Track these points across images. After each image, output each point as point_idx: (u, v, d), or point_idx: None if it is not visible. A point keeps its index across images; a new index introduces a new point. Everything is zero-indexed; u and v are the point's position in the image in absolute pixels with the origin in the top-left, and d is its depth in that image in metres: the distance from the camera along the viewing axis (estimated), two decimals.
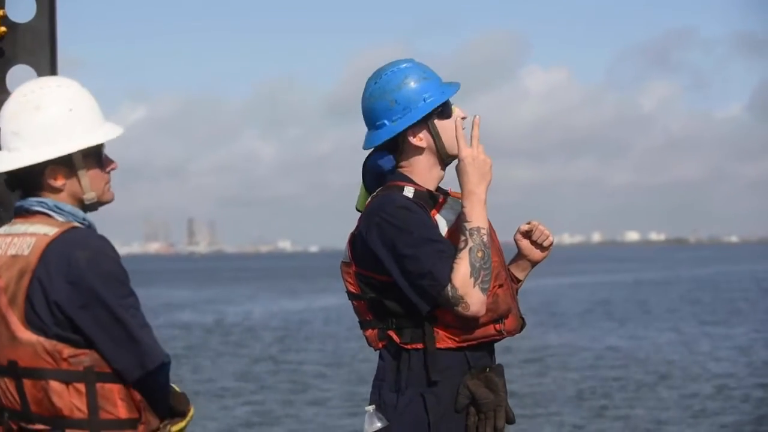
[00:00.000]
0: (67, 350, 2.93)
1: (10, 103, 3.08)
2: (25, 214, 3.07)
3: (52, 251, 2.95)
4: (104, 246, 2.99)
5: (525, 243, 3.79)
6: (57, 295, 2.93)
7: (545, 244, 3.77)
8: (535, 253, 3.79)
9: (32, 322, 2.93)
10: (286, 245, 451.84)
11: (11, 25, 4.87)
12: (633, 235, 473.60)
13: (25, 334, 2.93)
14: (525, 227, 3.77)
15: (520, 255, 3.80)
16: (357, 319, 3.60)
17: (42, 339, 2.93)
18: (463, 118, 3.56)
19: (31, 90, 3.07)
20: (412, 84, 3.56)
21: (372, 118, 3.59)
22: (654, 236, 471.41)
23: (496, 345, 3.61)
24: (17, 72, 4.89)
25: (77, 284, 2.93)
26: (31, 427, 2.97)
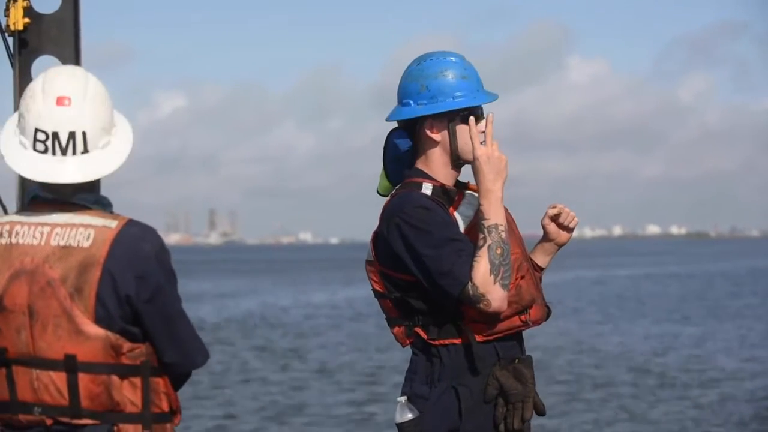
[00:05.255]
0: (126, 344, 2.92)
1: None
2: (57, 203, 2.99)
3: (120, 245, 2.92)
4: (162, 240, 3.01)
5: (552, 227, 3.83)
6: (127, 289, 2.91)
7: (571, 225, 3.83)
8: (563, 236, 3.85)
9: (100, 316, 2.90)
10: (307, 237, 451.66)
11: (36, 16, 4.91)
12: (654, 229, 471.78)
13: (93, 329, 2.89)
14: (553, 211, 3.82)
15: (547, 239, 3.85)
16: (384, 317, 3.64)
17: (109, 333, 2.90)
18: (482, 132, 3.55)
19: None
20: (449, 78, 3.57)
21: (401, 95, 3.63)
22: (675, 230, 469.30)
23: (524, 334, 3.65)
24: (42, 63, 4.93)
25: (145, 279, 2.93)
26: (75, 422, 2.93)
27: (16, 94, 4.91)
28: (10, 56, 4.94)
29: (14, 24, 4.84)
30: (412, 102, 3.59)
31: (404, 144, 3.66)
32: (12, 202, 4.71)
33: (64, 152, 2.95)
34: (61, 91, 2.95)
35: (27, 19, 4.85)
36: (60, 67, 3.06)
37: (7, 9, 4.86)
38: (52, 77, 2.99)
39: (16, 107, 4.85)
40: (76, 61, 4.95)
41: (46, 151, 2.95)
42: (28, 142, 2.96)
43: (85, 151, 2.96)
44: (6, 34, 4.89)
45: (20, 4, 4.83)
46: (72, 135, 2.94)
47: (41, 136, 2.94)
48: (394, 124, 3.69)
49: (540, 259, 3.84)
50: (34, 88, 2.99)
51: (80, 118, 2.95)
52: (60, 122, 2.94)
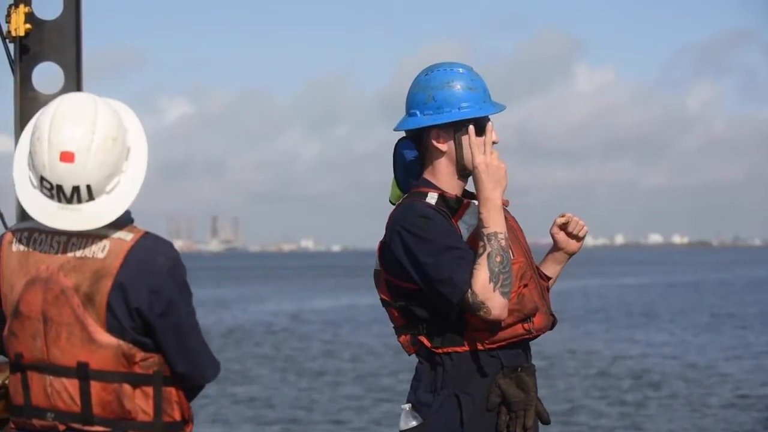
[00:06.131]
0: (139, 354, 2.96)
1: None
2: None
3: (134, 257, 2.95)
4: (178, 253, 3.03)
5: (561, 235, 3.85)
6: (139, 302, 2.94)
7: (580, 234, 3.85)
8: (572, 245, 3.86)
9: (112, 325, 2.93)
10: (308, 244, 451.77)
11: (38, 22, 4.89)
12: (656, 238, 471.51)
13: (105, 337, 2.93)
14: (561, 220, 3.84)
15: (557, 248, 3.87)
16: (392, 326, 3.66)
17: (122, 342, 2.94)
18: (493, 142, 3.56)
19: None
20: (456, 88, 3.58)
21: (409, 105, 3.65)
22: (677, 239, 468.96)
23: (532, 343, 3.65)
24: (44, 69, 4.91)
25: (158, 293, 2.96)
26: (87, 428, 2.98)
27: (16, 101, 4.89)
28: (11, 62, 4.92)
29: (15, 30, 4.82)
30: (418, 112, 3.61)
31: (411, 154, 3.68)
32: (11, 207, 4.68)
33: (69, 201, 2.95)
34: (66, 146, 2.91)
35: (28, 25, 4.83)
36: (69, 106, 2.97)
37: (8, 15, 4.84)
38: (59, 123, 2.94)
39: (17, 114, 4.85)
40: (78, 67, 4.93)
41: (52, 198, 2.96)
42: (36, 183, 2.98)
43: (91, 199, 2.96)
44: (7, 40, 4.86)
45: (22, 9, 4.81)
46: (76, 189, 2.94)
47: (47, 185, 2.96)
48: (402, 134, 3.71)
49: (550, 269, 3.86)
50: (42, 127, 2.95)
51: (83, 174, 2.93)
52: (63, 178, 2.93)
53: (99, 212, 2.96)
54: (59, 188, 2.93)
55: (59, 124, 2.93)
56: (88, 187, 2.93)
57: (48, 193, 2.95)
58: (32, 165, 2.97)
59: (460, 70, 3.62)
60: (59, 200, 2.95)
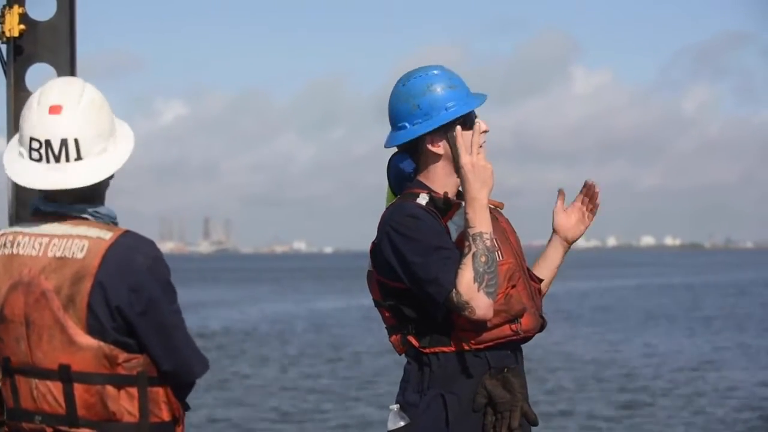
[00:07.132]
0: (122, 355, 2.95)
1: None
2: (55, 214, 3.04)
3: (113, 256, 2.94)
4: (159, 252, 3.03)
5: (562, 218, 3.89)
6: (119, 300, 2.94)
7: (594, 203, 3.90)
8: (572, 230, 3.90)
9: (92, 327, 2.93)
10: (301, 246, 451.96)
11: (31, 23, 4.89)
12: (648, 240, 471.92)
13: (85, 339, 2.93)
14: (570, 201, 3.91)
15: (555, 235, 3.90)
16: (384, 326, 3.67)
17: (102, 344, 2.94)
18: (485, 131, 3.57)
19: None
20: (438, 91, 3.58)
21: (395, 119, 3.64)
22: (669, 241, 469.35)
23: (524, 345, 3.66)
24: (37, 70, 4.91)
25: (138, 291, 2.95)
26: (73, 431, 2.98)
27: (10, 101, 4.89)
28: (4, 63, 4.92)
29: (9, 31, 4.82)
30: (407, 124, 3.60)
31: (409, 166, 3.68)
32: (2, 214, 4.69)
33: (57, 159, 2.97)
34: (55, 101, 2.98)
35: (22, 26, 4.84)
36: (59, 78, 3.11)
37: (2, 15, 4.84)
38: (48, 88, 3.03)
39: (10, 115, 4.85)
40: (71, 68, 4.94)
41: (40, 159, 2.98)
42: (25, 152, 3.01)
43: (79, 158, 2.98)
44: (0, 41, 4.87)
45: (15, 10, 4.82)
46: (64, 142, 2.97)
47: (35, 145, 2.98)
48: (394, 150, 3.70)
49: (551, 258, 3.89)
50: (32, 99, 3.03)
51: (72, 126, 2.97)
52: (52, 130, 2.97)
53: (86, 171, 2.98)
54: (48, 144, 2.96)
55: (48, 89, 3.02)
56: (76, 141, 2.96)
57: (37, 155, 2.98)
58: (22, 135, 3.01)
59: (435, 72, 3.62)
60: (47, 161, 2.97)
